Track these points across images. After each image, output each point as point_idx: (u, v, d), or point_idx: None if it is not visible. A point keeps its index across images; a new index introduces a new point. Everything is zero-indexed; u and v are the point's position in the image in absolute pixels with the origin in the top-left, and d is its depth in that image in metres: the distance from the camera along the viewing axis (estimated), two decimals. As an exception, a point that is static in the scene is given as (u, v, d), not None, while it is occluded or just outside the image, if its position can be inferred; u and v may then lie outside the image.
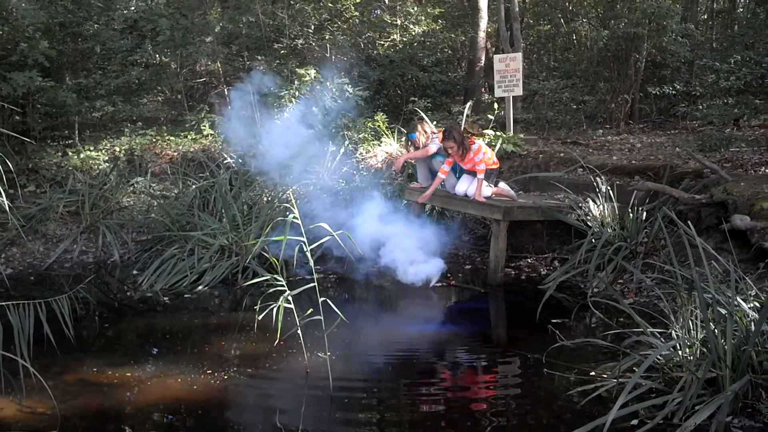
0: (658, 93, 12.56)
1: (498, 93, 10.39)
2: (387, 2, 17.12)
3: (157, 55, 12.33)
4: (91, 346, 5.71)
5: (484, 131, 10.05)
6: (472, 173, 7.55)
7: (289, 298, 4.79)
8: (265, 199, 9.11)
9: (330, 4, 14.25)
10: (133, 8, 12.61)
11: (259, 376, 4.99)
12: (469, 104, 11.55)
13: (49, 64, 9.82)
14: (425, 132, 8.27)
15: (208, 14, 14.04)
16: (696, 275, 4.12)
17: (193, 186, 9.47)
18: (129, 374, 4.99)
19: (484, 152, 7.48)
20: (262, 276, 5.36)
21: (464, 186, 7.71)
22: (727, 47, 13.51)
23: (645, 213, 7.02)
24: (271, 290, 5.03)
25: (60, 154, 10.68)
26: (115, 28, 12.03)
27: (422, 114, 10.97)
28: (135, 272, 8.03)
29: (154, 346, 5.75)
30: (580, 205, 7.40)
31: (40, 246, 8.85)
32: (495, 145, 9.39)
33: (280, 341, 5.11)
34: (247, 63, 12.82)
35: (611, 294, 6.01)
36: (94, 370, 5.10)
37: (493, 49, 17.41)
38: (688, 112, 12.06)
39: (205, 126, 11.68)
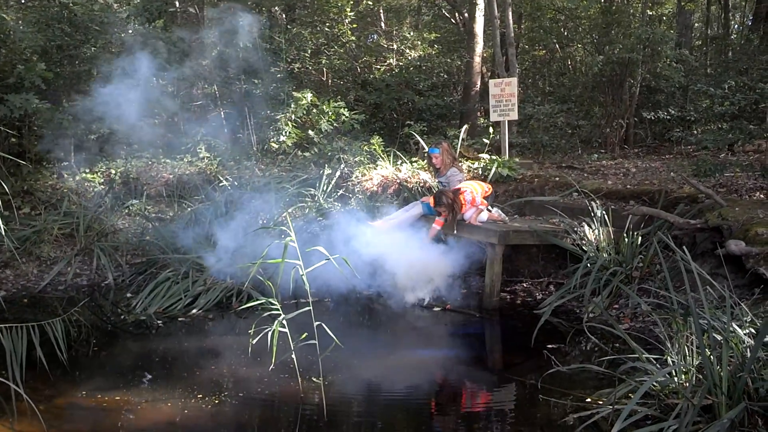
0: (652, 118, 12.62)
1: (493, 117, 10.42)
2: (383, 27, 17.28)
3: (154, 78, 12.35)
4: (83, 369, 5.66)
5: (480, 155, 10.08)
6: None
7: (284, 322, 4.77)
8: (260, 221, 9.10)
9: (327, 29, 14.37)
10: (130, 31, 12.66)
11: (251, 400, 4.94)
12: (464, 128, 11.59)
13: (45, 86, 9.84)
14: (450, 154, 8.35)
15: (205, 38, 14.09)
16: (691, 301, 4.11)
17: (189, 209, 9.46)
18: (120, 398, 4.94)
19: (472, 192, 7.55)
20: (257, 299, 5.34)
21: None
22: (721, 73, 13.60)
23: (640, 238, 7.03)
24: (265, 314, 5.01)
25: (55, 176, 10.66)
26: (112, 51, 12.07)
27: (418, 137, 11.02)
28: (129, 295, 7.99)
29: (146, 369, 5.70)
30: (575, 229, 7.41)
31: (34, 268, 8.81)
32: (490, 169, 9.41)
33: (273, 365, 5.08)
34: (244, 86, 12.86)
35: (607, 319, 6.00)
36: (86, 393, 5.05)
37: (489, 73, 17.54)
38: (682, 137, 12.11)
39: (201, 149, 11.70)
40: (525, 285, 8.02)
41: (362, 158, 10.74)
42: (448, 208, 7.51)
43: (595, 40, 15.10)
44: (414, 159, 10.61)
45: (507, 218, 7.87)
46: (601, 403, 4.43)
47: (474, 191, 7.64)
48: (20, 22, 11.30)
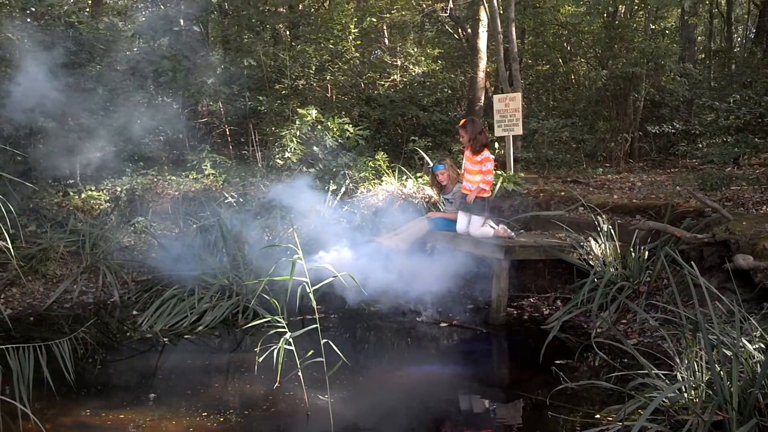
0: (657, 132, 12.63)
1: (498, 132, 10.43)
2: (387, 43, 17.34)
3: (160, 96, 12.42)
4: (89, 387, 5.64)
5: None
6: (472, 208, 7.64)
7: (290, 339, 4.75)
8: (266, 238, 9.10)
9: (331, 45, 14.43)
10: (135, 50, 12.73)
11: (257, 418, 4.91)
12: (469, 143, 11.58)
13: (51, 104, 9.87)
14: (454, 169, 8.38)
15: (210, 56, 14.17)
16: (700, 316, 4.08)
17: (194, 225, 9.47)
18: (125, 416, 4.92)
19: (489, 170, 7.59)
20: (263, 316, 5.33)
21: (464, 224, 7.74)
22: (725, 86, 13.62)
23: (647, 252, 7.00)
24: (271, 331, 4.99)
25: (61, 194, 10.69)
26: (117, 69, 12.13)
27: (422, 153, 11.03)
28: (135, 312, 7.97)
29: (151, 387, 5.68)
30: (581, 244, 7.38)
31: (40, 286, 8.81)
32: (496, 184, 9.41)
33: (279, 383, 5.06)
34: (249, 103, 12.91)
35: (614, 334, 5.97)
36: (92, 412, 5.03)
37: (493, 88, 17.56)
38: (687, 151, 12.11)
39: (206, 165, 11.73)
40: (532, 300, 7.99)
41: (367, 174, 10.75)
42: (469, 136, 7.61)
43: (598, 55, 15.13)
44: (419, 174, 10.62)
45: (513, 233, 7.85)
46: (610, 419, 4.39)
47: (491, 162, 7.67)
48: (26, 41, 11.34)
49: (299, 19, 15.39)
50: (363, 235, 8.53)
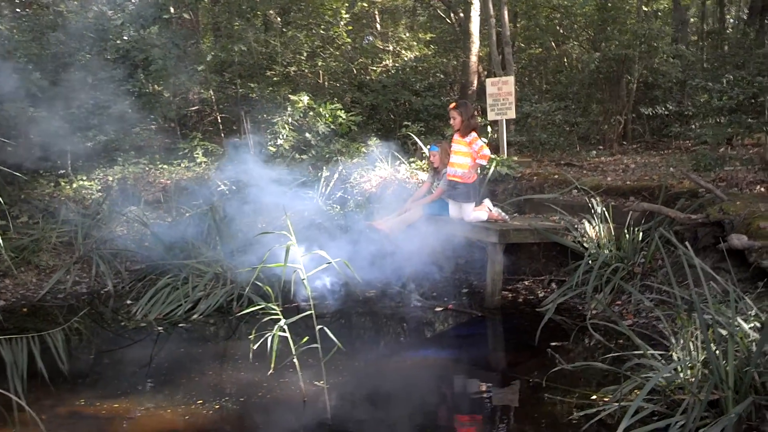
0: (650, 113, 12.60)
1: (491, 116, 10.39)
2: (379, 28, 17.25)
3: (150, 84, 12.34)
4: (84, 377, 5.62)
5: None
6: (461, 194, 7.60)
7: (285, 326, 4.73)
8: (260, 225, 9.06)
9: (322, 32, 14.34)
10: (125, 38, 12.63)
11: (253, 405, 4.90)
12: (462, 128, 11.54)
13: (41, 94, 9.81)
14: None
15: (200, 43, 14.07)
16: (695, 296, 4.08)
17: (187, 214, 9.42)
18: (120, 405, 4.90)
19: (482, 146, 7.52)
20: (258, 304, 5.30)
21: (455, 211, 7.72)
22: (718, 67, 13.58)
23: (641, 233, 7.00)
24: (266, 318, 4.97)
25: (53, 184, 10.63)
26: (107, 58, 12.04)
27: (416, 138, 11.00)
28: (129, 302, 7.94)
29: (147, 376, 5.66)
30: (575, 226, 7.37)
31: (33, 277, 8.77)
32: (489, 168, 9.39)
33: (274, 370, 5.04)
34: (240, 91, 12.84)
35: (610, 316, 5.98)
36: (87, 402, 5.02)
37: (485, 72, 17.51)
38: (681, 132, 12.08)
39: (198, 154, 11.67)
40: (526, 283, 7.98)
41: (360, 159, 10.71)
42: (462, 118, 7.55)
43: (591, 37, 15.10)
44: (412, 159, 10.58)
45: (507, 217, 7.83)
46: (606, 400, 4.39)
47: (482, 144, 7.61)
48: (14, 30, 11.25)
49: (290, 5, 15.26)
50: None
